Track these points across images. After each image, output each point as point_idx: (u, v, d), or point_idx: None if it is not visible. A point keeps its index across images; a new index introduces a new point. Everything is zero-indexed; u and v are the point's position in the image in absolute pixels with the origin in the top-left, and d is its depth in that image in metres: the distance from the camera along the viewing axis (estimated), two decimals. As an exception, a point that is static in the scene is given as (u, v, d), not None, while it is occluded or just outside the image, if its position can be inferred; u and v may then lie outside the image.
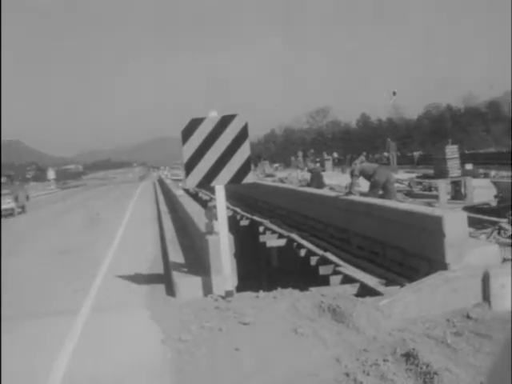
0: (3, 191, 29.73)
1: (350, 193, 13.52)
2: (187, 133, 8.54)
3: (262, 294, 8.60)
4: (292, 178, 31.35)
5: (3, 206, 29.06)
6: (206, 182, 8.71)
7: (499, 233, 10.82)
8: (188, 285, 8.95)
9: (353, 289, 9.33)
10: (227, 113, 8.62)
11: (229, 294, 8.36)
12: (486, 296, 7.79)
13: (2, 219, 27.08)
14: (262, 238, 16.60)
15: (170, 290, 9.32)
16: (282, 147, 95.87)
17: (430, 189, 21.18)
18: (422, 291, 7.78)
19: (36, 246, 16.97)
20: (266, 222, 17.85)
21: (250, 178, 8.72)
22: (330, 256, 11.92)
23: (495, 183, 15.64)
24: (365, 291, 8.98)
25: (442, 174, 19.05)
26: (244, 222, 20.35)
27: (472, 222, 10.71)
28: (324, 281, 10.58)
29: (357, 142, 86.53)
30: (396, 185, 16.88)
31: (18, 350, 7.01)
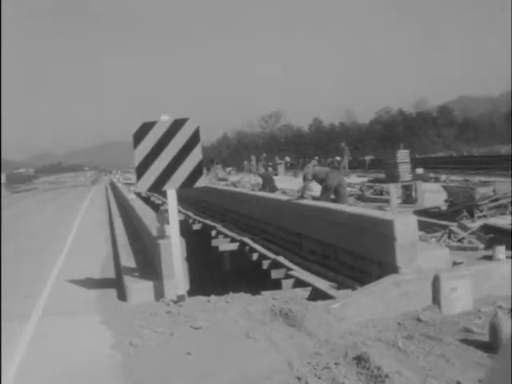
0: None
1: (302, 197, 13.59)
2: (138, 137, 8.47)
3: (213, 298, 8.56)
4: (244, 182, 31.27)
5: None
6: (158, 186, 8.64)
7: (449, 236, 11.00)
8: (139, 289, 8.85)
9: (305, 292, 9.36)
10: (180, 116, 8.58)
11: (180, 298, 8.29)
12: (436, 299, 7.92)
13: None
14: (214, 242, 16.57)
15: (122, 295, 9.20)
16: (234, 151, 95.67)
17: (381, 193, 21.37)
18: (374, 294, 7.86)
19: None
20: (219, 226, 17.83)
21: (201, 182, 8.69)
22: (281, 260, 11.97)
23: (445, 187, 15.88)
24: (317, 295, 9.03)
25: (393, 178, 19.25)
26: (196, 226, 20.29)
27: (422, 226, 10.86)
28: (276, 284, 10.60)
29: (309, 146, 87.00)
30: (348, 189, 16.99)
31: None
